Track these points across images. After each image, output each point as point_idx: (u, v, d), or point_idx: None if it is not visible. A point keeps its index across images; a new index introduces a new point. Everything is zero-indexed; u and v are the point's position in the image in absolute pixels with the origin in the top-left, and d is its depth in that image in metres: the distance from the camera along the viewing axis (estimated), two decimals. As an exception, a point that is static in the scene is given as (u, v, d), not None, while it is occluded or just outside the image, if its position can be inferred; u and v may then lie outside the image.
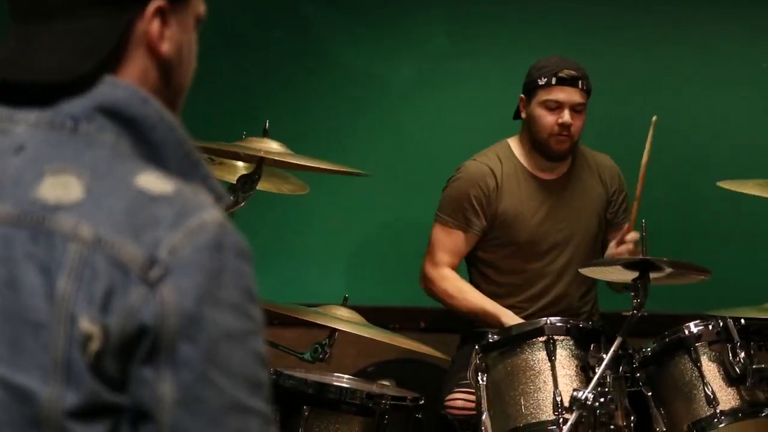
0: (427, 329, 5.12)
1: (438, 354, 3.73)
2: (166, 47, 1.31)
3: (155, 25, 1.29)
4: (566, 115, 3.93)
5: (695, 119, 5.45)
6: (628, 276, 3.26)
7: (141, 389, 1.14)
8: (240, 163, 3.75)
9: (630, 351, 3.44)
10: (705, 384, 3.34)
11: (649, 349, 3.47)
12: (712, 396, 3.32)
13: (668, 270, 3.30)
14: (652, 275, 3.27)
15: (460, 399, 3.77)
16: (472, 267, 4.14)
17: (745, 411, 3.33)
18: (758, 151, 5.35)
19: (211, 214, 1.18)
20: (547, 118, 3.95)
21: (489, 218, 3.97)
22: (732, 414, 3.32)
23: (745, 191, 3.67)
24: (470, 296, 4.02)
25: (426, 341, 3.95)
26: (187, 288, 1.14)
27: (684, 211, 5.32)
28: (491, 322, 3.87)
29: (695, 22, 5.47)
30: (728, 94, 5.44)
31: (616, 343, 3.12)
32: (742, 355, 3.33)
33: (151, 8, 1.29)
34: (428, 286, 4.14)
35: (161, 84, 1.31)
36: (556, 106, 3.95)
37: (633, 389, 3.43)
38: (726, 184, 3.72)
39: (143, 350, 1.13)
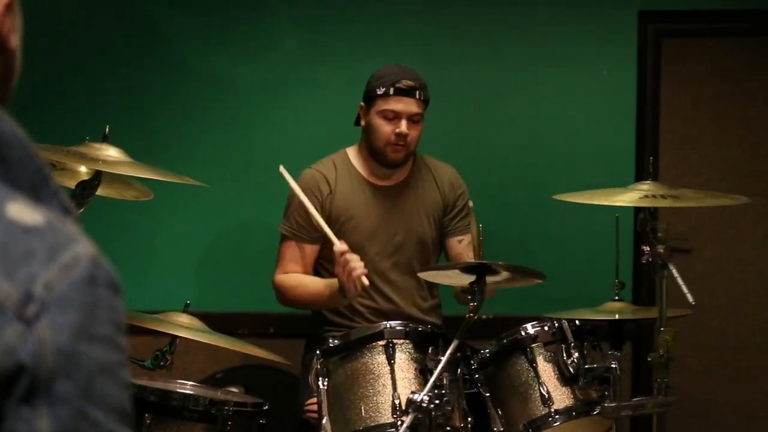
0: (277, 334, 5.14)
1: (281, 359, 3.74)
2: (14, 41, 1.24)
3: (7, 20, 1.23)
4: (403, 126, 4.00)
5: (536, 126, 5.59)
6: (465, 280, 3.33)
7: (18, 426, 1.12)
8: (83, 168, 3.69)
9: (468, 353, 3.52)
10: (540, 384, 3.44)
11: (487, 350, 3.56)
12: (547, 395, 3.41)
13: (505, 274, 3.38)
14: (490, 279, 3.35)
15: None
16: (315, 272, 4.18)
17: (579, 409, 3.43)
18: (597, 158, 5.51)
19: (84, 246, 1.16)
20: (385, 128, 4.01)
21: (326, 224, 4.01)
22: (566, 413, 3.42)
23: (579, 201, 3.76)
24: (308, 281, 4.07)
25: (276, 346, 3.98)
26: (63, 324, 1.11)
27: (522, 217, 5.46)
28: (335, 299, 3.89)
29: (536, 29, 5.60)
30: (569, 100, 5.58)
31: (452, 346, 3.18)
32: (576, 355, 3.44)
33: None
34: (276, 292, 4.16)
35: (1, 85, 1.26)
36: (394, 116, 4.01)
37: (471, 390, 3.50)
38: (562, 196, 3.82)
39: (21, 388, 1.11)
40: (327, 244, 3.96)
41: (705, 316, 5.66)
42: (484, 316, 4.33)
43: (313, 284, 4.04)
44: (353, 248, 3.81)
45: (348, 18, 5.53)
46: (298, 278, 4.10)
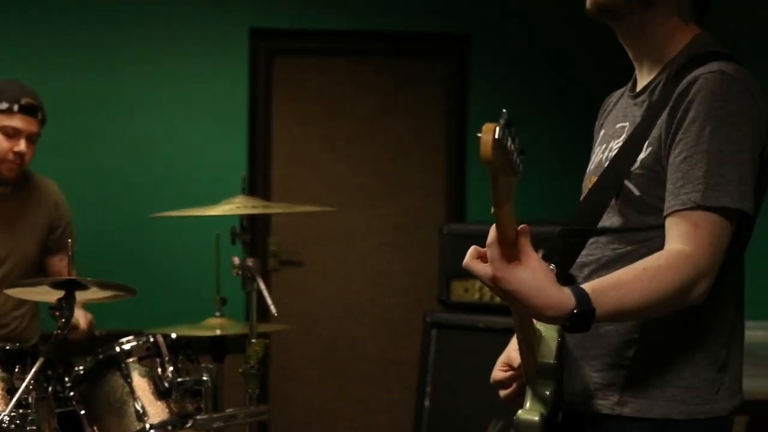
0: None
1: None
2: None
3: None
4: (22, 144, 3.93)
5: (150, 142, 5.57)
6: (54, 296, 3.25)
7: None
8: None
9: (61, 371, 3.45)
10: (135, 399, 3.43)
11: (81, 367, 3.50)
12: (142, 410, 3.40)
13: (95, 289, 3.34)
14: (81, 295, 3.29)
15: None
16: None
17: (174, 423, 3.45)
18: (210, 173, 5.56)
19: None
20: (3, 144, 3.91)
21: None
22: (161, 426, 3.42)
23: (175, 215, 3.76)
24: None
25: None
26: None
27: (126, 232, 5.46)
28: None
29: (151, 46, 5.59)
30: (183, 117, 5.60)
31: (38, 363, 3.11)
32: (171, 369, 3.46)
33: None
34: None
35: None
36: (14, 133, 3.92)
37: (66, 409, 3.43)
38: (161, 213, 3.81)
39: None
40: None
41: (318, 327, 5.85)
42: (97, 333, 4.25)
43: None
44: None
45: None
46: None
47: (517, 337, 1.95)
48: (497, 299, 4.76)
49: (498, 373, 2.15)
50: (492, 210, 1.63)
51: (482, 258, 1.73)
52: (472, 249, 1.75)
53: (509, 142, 1.52)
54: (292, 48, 5.91)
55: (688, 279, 1.81)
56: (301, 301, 5.79)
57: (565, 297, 1.73)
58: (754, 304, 2.25)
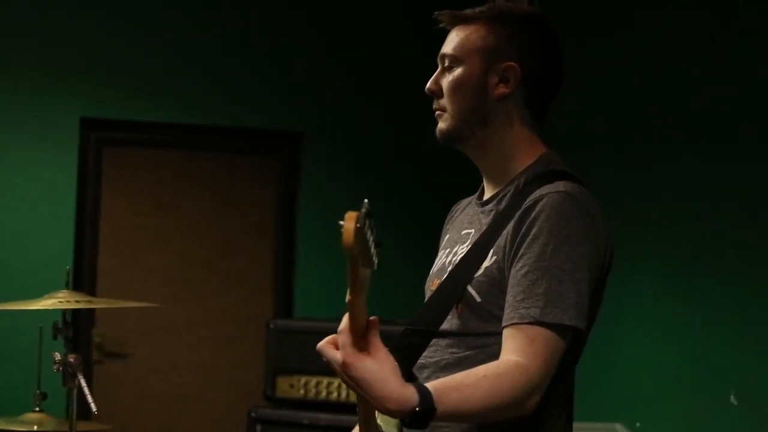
0: None
1: None
2: None
3: None
4: None
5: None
6: None
7: None
8: None
9: None
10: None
11: None
12: None
13: None
14: None
15: None
16: None
17: None
18: (35, 263, 5.47)
19: None
20: None
21: None
22: None
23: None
24: None
25: None
26: None
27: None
28: None
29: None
30: (9, 203, 5.52)
31: None
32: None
33: None
34: None
35: None
36: None
37: None
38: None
39: None
40: None
41: (141, 422, 5.76)
42: None
43: None
44: None
45: None
46: None
47: (360, 430, 1.97)
48: (322, 396, 4.84)
49: None
50: (347, 298, 1.67)
51: (336, 345, 1.77)
52: (331, 336, 1.79)
53: (369, 233, 1.57)
54: (123, 139, 5.91)
55: (522, 390, 1.88)
56: (124, 394, 5.71)
57: (408, 393, 1.77)
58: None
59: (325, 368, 4.66)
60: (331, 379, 4.83)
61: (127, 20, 5.78)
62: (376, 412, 1.95)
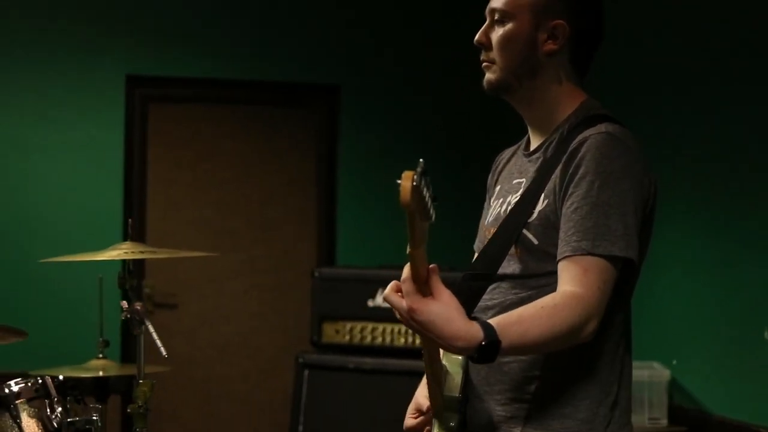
0: None
1: None
2: None
3: None
4: None
5: (24, 185, 5.61)
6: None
7: None
8: None
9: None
10: (24, 439, 3.49)
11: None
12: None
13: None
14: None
15: None
16: None
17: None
18: (85, 218, 5.63)
19: None
20: None
21: None
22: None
23: (62, 260, 3.84)
24: None
25: None
26: None
27: (7, 276, 5.47)
28: None
29: (27, 88, 5.65)
30: (58, 161, 5.66)
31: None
32: (59, 410, 3.54)
33: None
34: None
35: None
36: None
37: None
38: (46, 258, 3.88)
39: None
40: None
41: (192, 368, 5.93)
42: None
43: None
44: None
45: None
46: None
47: (426, 372, 2.07)
48: (366, 341, 4.98)
49: (409, 420, 2.27)
50: (408, 250, 1.75)
51: (400, 292, 1.85)
52: (393, 283, 1.86)
53: (425, 190, 1.65)
54: (166, 95, 6.03)
55: (579, 318, 1.95)
56: (175, 342, 5.87)
57: (474, 329, 1.84)
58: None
59: (369, 314, 4.87)
60: (375, 324, 4.96)
61: (169, -21, 5.90)
62: (442, 353, 2.07)
